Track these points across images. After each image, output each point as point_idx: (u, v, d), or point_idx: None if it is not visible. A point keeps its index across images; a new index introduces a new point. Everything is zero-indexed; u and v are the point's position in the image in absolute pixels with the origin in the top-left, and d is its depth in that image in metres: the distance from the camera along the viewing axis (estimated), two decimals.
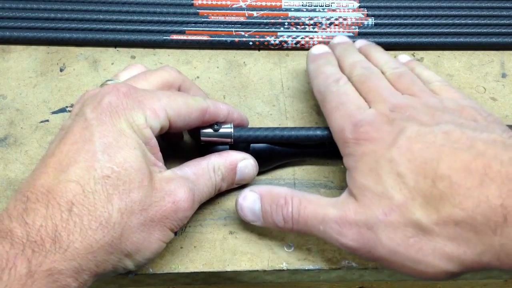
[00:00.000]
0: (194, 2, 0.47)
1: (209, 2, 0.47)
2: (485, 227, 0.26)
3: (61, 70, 0.43)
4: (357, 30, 0.46)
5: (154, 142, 0.31)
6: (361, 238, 0.29)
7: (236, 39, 0.45)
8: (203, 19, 0.46)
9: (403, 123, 0.30)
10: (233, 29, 0.45)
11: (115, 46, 0.45)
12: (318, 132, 0.35)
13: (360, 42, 0.41)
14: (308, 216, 0.31)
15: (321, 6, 0.47)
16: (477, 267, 0.27)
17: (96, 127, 0.29)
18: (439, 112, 0.31)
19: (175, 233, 0.32)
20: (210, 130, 0.34)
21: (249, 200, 0.33)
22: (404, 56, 0.40)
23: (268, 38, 0.45)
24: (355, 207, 0.29)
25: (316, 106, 0.41)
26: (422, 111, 0.31)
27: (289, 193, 0.32)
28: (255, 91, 0.42)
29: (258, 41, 0.45)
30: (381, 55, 0.38)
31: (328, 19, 0.46)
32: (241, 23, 0.46)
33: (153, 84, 0.33)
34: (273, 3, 0.47)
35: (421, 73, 0.36)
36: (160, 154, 0.31)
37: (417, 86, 0.34)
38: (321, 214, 0.30)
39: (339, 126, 0.32)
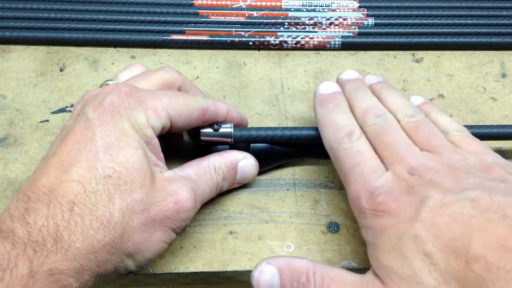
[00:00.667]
0: (194, 2, 0.47)
1: (209, 2, 0.47)
2: None
3: (61, 70, 0.43)
4: (357, 30, 0.46)
5: (156, 142, 0.31)
6: None
7: (236, 39, 0.45)
8: (203, 19, 0.46)
9: (424, 190, 0.27)
10: (233, 29, 0.45)
11: (115, 46, 0.45)
12: (318, 132, 0.35)
13: (371, 79, 0.37)
14: None
15: (321, 6, 0.47)
16: None
17: (98, 127, 0.29)
18: (463, 174, 0.28)
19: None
20: (210, 130, 0.34)
21: (266, 275, 0.29)
22: (417, 98, 0.36)
23: (268, 38, 0.45)
24: None
25: None
26: (444, 174, 0.28)
27: (311, 268, 0.28)
28: (255, 91, 0.42)
29: (258, 41, 0.45)
30: (394, 98, 0.34)
31: (328, 19, 0.46)
32: (241, 23, 0.46)
33: (154, 84, 0.33)
34: (273, 3, 0.47)
35: (437, 119, 0.33)
36: (161, 154, 0.31)
37: (436, 140, 0.31)
38: None
39: (354, 192, 0.30)
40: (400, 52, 0.46)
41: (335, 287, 0.28)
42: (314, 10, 0.47)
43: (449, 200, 0.26)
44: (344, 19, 0.46)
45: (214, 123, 0.34)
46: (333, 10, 0.47)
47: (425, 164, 0.29)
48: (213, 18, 0.46)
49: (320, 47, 0.45)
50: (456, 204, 0.26)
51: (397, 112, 0.33)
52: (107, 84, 0.33)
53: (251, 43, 0.45)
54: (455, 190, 0.27)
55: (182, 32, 0.45)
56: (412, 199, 0.27)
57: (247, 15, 0.46)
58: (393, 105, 0.34)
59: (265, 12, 0.46)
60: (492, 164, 0.29)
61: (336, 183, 0.38)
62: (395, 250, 0.26)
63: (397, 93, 0.35)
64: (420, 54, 0.46)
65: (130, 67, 0.36)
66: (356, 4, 0.47)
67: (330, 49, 0.45)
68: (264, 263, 0.29)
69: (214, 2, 0.47)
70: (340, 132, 0.32)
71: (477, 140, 0.31)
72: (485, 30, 0.46)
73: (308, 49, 0.45)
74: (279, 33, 0.45)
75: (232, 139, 0.35)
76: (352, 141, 0.32)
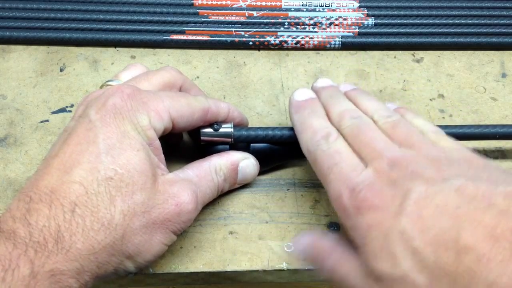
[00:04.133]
0: (194, 2, 0.47)
1: (209, 2, 0.47)
2: None
3: (61, 70, 0.43)
4: (357, 30, 0.46)
5: (157, 143, 0.31)
6: None
7: (236, 39, 0.45)
8: (203, 19, 0.46)
9: (406, 183, 0.26)
10: (233, 29, 0.45)
11: (115, 46, 0.45)
12: None
13: (345, 87, 0.36)
14: None
15: (321, 6, 0.47)
16: None
17: (100, 128, 0.29)
18: (444, 165, 0.27)
19: None
20: (210, 130, 0.34)
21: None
22: (390, 104, 0.35)
23: (268, 38, 0.45)
24: None
25: None
26: (425, 164, 0.27)
27: None
28: (255, 91, 0.42)
29: (258, 41, 0.45)
30: (369, 102, 0.34)
31: (328, 19, 0.46)
32: (241, 23, 0.46)
33: (155, 85, 0.33)
34: (273, 3, 0.47)
35: (412, 121, 0.32)
36: (162, 156, 0.31)
37: (415, 136, 0.30)
38: None
39: (335, 191, 0.29)
40: (400, 52, 0.46)
41: None
42: (314, 10, 0.47)
43: (433, 191, 0.25)
44: (344, 19, 0.46)
45: (214, 123, 0.34)
46: (333, 10, 0.47)
47: (405, 157, 0.28)
48: (213, 18, 0.46)
49: (320, 47, 0.45)
50: (440, 194, 0.25)
51: (374, 114, 0.32)
52: (108, 85, 0.34)
53: (251, 43, 0.45)
54: (438, 180, 0.26)
55: (182, 32, 0.45)
56: (395, 192, 0.26)
57: (247, 15, 0.46)
58: (369, 108, 0.33)
59: (265, 12, 0.46)
60: (471, 157, 0.28)
61: None
62: (384, 251, 0.25)
63: (372, 97, 0.35)
64: (420, 54, 0.46)
65: (130, 67, 0.36)
66: (356, 4, 0.47)
67: (330, 49, 0.45)
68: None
69: (214, 2, 0.47)
70: (317, 135, 0.32)
71: (455, 140, 0.31)
72: (485, 30, 0.46)
73: (308, 49, 0.45)
74: (279, 33, 0.45)
75: (232, 139, 0.35)
76: (330, 142, 0.31)
